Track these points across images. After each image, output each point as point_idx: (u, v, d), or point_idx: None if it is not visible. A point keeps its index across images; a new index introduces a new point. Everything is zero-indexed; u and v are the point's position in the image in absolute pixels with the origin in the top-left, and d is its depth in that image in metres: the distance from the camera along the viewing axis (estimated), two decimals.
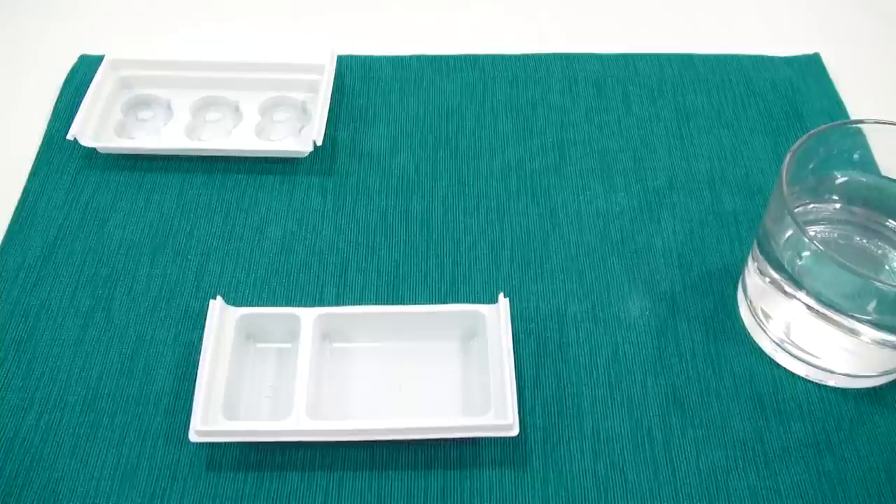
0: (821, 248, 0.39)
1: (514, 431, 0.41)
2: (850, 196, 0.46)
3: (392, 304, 0.49)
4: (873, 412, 0.45)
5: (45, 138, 0.57)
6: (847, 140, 0.45)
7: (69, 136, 0.54)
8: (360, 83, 0.61)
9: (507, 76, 0.61)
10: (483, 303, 0.47)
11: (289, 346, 0.46)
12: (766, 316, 0.46)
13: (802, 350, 0.45)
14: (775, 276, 0.44)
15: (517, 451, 0.43)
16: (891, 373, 0.45)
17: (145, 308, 0.48)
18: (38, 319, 0.48)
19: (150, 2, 0.68)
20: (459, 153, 0.56)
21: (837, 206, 0.46)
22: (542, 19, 0.67)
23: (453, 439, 0.43)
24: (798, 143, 0.42)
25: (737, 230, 0.52)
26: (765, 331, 0.46)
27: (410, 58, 0.62)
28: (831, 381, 0.45)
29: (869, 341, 0.42)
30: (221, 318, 0.45)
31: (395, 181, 0.55)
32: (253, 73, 0.58)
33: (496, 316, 0.45)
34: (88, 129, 0.55)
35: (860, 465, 0.43)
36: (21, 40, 0.65)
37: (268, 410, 0.44)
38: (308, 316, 0.45)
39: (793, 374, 0.46)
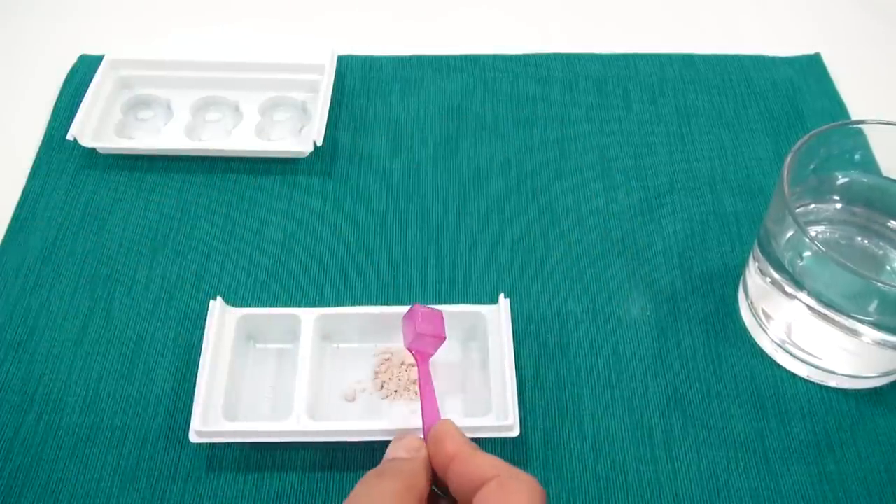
0: (822, 248, 0.39)
1: (515, 432, 0.41)
2: (851, 196, 0.46)
3: (392, 304, 0.49)
4: (874, 413, 0.45)
5: (45, 138, 0.57)
6: (848, 140, 0.44)
7: (69, 137, 0.54)
8: (360, 83, 0.61)
9: (507, 76, 0.61)
10: (483, 303, 0.47)
11: (289, 346, 0.46)
12: (767, 316, 0.46)
13: (803, 350, 0.45)
14: (776, 276, 0.43)
15: (518, 451, 0.43)
16: (891, 373, 0.45)
17: (145, 308, 0.48)
18: (38, 320, 0.48)
19: (150, 2, 0.68)
20: (459, 153, 0.56)
21: (838, 206, 0.46)
22: (542, 19, 0.67)
23: None
24: (799, 143, 0.42)
25: (738, 230, 0.52)
26: (766, 331, 0.46)
27: (410, 58, 0.62)
28: (832, 382, 0.45)
29: (870, 342, 0.42)
30: (221, 318, 0.45)
31: (395, 181, 0.55)
32: (253, 73, 0.58)
33: (497, 316, 0.45)
34: (88, 129, 0.55)
35: (861, 465, 0.43)
36: (21, 40, 0.65)
37: (268, 411, 0.44)
38: (308, 316, 0.45)
39: (794, 375, 0.46)
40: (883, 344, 0.42)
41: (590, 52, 0.63)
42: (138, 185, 0.54)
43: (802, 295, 0.42)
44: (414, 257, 0.51)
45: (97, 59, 0.59)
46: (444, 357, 0.46)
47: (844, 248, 0.46)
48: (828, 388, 0.45)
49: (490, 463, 0.34)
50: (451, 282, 0.50)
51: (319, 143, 0.54)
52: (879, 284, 0.39)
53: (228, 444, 0.43)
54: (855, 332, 0.42)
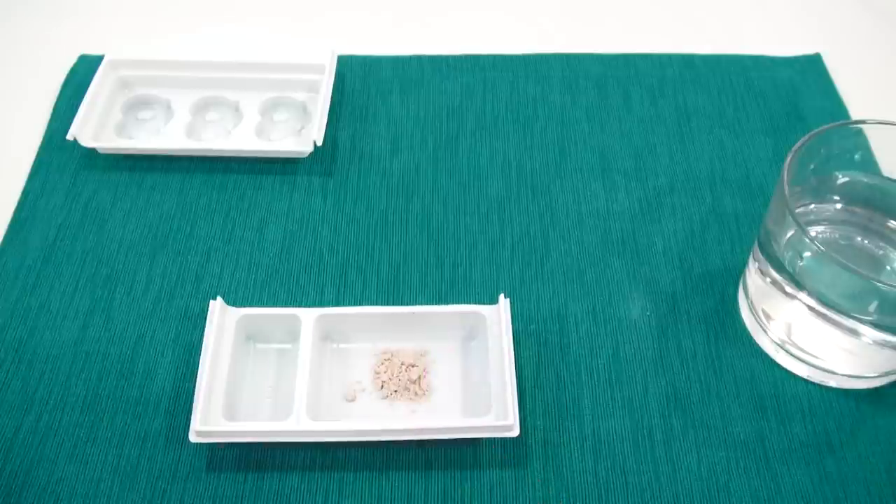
0: (822, 248, 0.39)
1: (515, 432, 0.41)
2: (851, 196, 0.46)
3: (392, 304, 0.49)
4: (874, 413, 0.45)
5: (45, 138, 0.57)
6: (848, 140, 0.44)
7: (69, 137, 0.53)
8: (360, 83, 0.61)
9: (507, 76, 0.61)
10: (483, 303, 0.47)
11: (289, 346, 0.46)
12: (767, 316, 0.46)
13: (803, 351, 0.45)
14: (776, 276, 0.43)
15: (518, 451, 0.43)
16: (891, 373, 0.45)
17: (145, 308, 0.48)
18: (38, 320, 0.48)
19: (150, 2, 0.68)
20: (459, 153, 0.56)
21: (838, 206, 0.46)
22: (542, 19, 0.67)
23: (454, 440, 0.43)
24: (799, 143, 0.42)
25: (737, 230, 0.52)
26: (766, 331, 0.46)
27: (410, 58, 0.62)
28: (832, 382, 0.45)
29: (870, 342, 0.42)
30: (222, 318, 0.45)
31: (395, 181, 0.55)
32: (253, 73, 0.58)
33: (497, 316, 0.45)
34: (88, 129, 0.55)
35: (861, 465, 0.43)
36: (21, 40, 0.65)
37: (268, 411, 0.44)
38: (308, 316, 0.45)
39: (794, 375, 0.46)
40: (883, 344, 0.42)
41: (590, 52, 0.63)
42: (138, 185, 0.54)
43: (802, 295, 0.42)
44: (414, 257, 0.51)
45: (97, 59, 0.59)
46: (444, 357, 0.46)
47: (844, 248, 0.46)
48: (828, 388, 0.45)
49: None
50: (451, 282, 0.50)
51: (319, 143, 0.54)
52: (879, 284, 0.39)
53: (228, 444, 0.43)
54: (855, 332, 0.42)
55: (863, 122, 0.44)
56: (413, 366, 0.45)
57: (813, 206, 0.46)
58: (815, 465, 0.43)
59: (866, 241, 0.46)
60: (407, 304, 0.49)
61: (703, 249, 0.51)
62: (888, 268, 0.45)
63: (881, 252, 0.46)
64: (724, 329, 0.48)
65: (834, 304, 0.41)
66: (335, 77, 0.59)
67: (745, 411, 0.45)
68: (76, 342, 0.47)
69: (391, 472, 0.42)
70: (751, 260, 0.47)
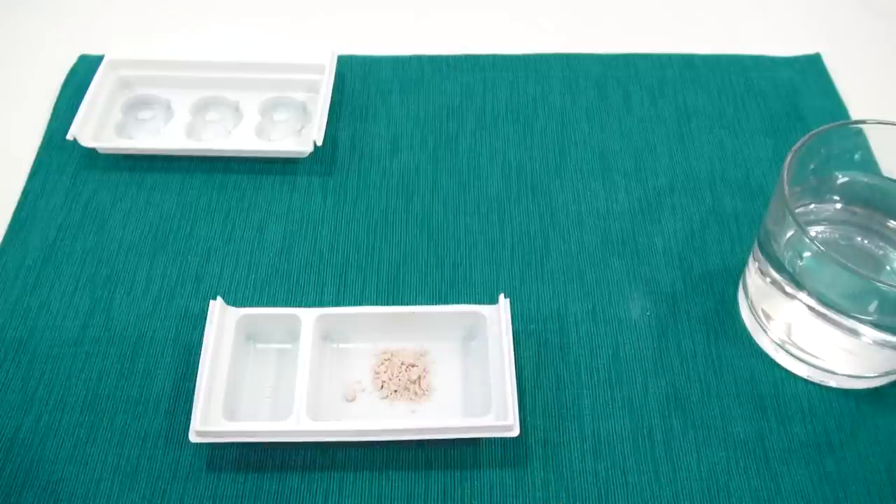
0: (822, 248, 0.39)
1: (515, 432, 0.41)
2: (850, 196, 0.46)
3: (392, 304, 0.49)
4: (874, 413, 0.45)
5: (45, 138, 0.57)
6: (848, 140, 0.44)
7: (69, 137, 0.54)
8: (360, 83, 0.61)
9: (507, 76, 0.61)
10: (483, 303, 0.47)
11: (289, 346, 0.46)
12: (767, 316, 0.46)
13: (803, 351, 0.45)
14: (776, 276, 0.43)
15: (517, 451, 0.43)
16: (891, 373, 0.45)
17: (145, 308, 0.48)
18: (38, 319, 0.48)
19: (150, 2, 0.68)
20: (459, 153, 0.56)
21: (838, 206, 0.46)
22: (542, 20, 0.67)
23: (454, 440, 0.43)
24: (799, 143, 0.42)
25: (737, 230, 0.52)
26: (766, 331, 0.46)
27: (410, 58, 0.62)
28: (832, 382, 0.45)
29: (870, 342, 0.42)
30: (221, 318, 0.45)
31: (395, 181, 0.55)
32: (253, 73, 0.58)
33: (497, 316, 0.45)
34: (88, 129, 0.55)
35: (861, 465, 0.43)
36: (21, 40, 0.65)
37: (268, 411, 0.44)
38: (308, 316, 0.45)
39: (794, 375, 0.46)
40: (883, 344, 0.42)
41: (590, 52, 0.63)
42: (138, 185, 0.54)
43: (802, 295, 0.42)
44: (414, 257, 0.51)
45: (97, 59, 0.59)
46: (444, 357, 0.46)
47: (844, 248, 0.46)
48: (828, 388, 0.45)
49: None
50: (451, 282, 0.50)
51: (319, 143, 0.54)
52: (879, 284, 0.39)
53: (228, 444, 0.43)
54: (855, 332, 0.42)
55: (863, 122, 0.44)
56: (413, 366, 0.45)
57: (813, 206, 0.46)
58: (815, 465, 0.43)
59: (866, 241, 0.46)
60: (407, 304, 0.49)
61: (703, 249, 0.51)
62: (888, 268, 0.45)
63: (881, 252, 0.46)
64: (724, 329, 0.48)
65: (834, 304, 0.41)
66: (335, 77, 0.59)
67: (745, 411, 0.45)
68: (76, 342, 0.47)
69: (391, 472, 0.42)
70: (751, 260, 0.47)
